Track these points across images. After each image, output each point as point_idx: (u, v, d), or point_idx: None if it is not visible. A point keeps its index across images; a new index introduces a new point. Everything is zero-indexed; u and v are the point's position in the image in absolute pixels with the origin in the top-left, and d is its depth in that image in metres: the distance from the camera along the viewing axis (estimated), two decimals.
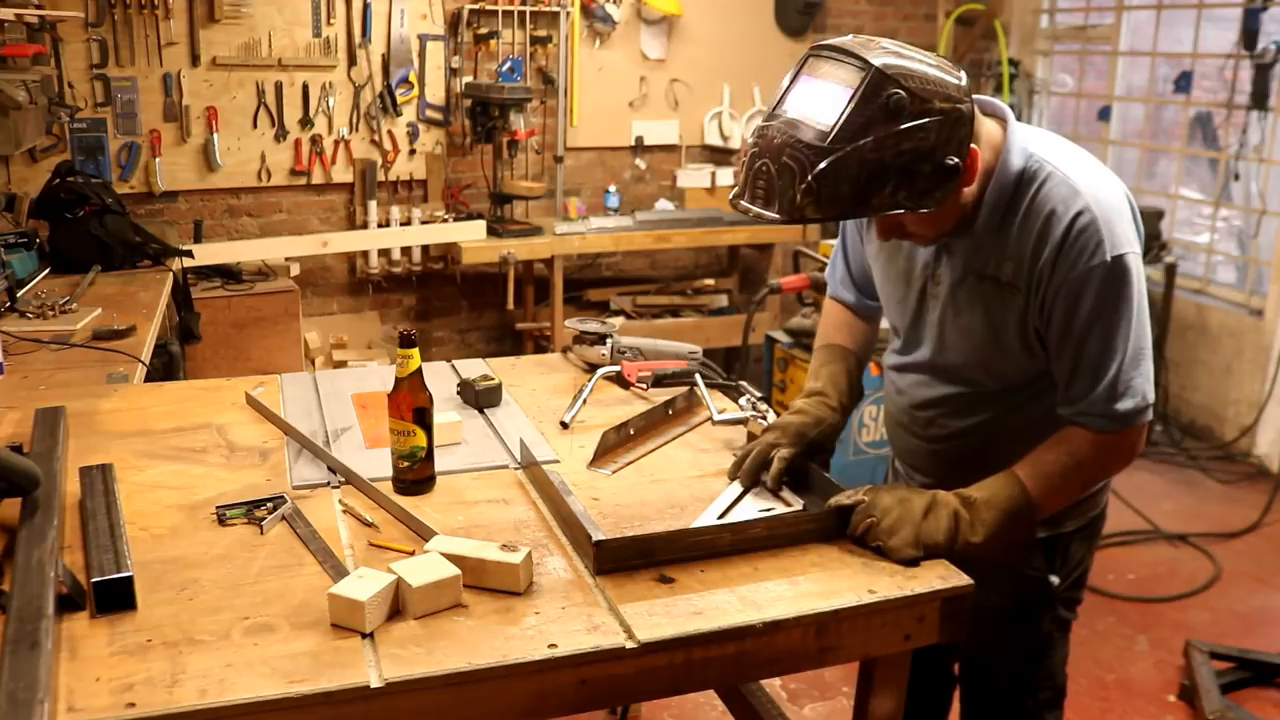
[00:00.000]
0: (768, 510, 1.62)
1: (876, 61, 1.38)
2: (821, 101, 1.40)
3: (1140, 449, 1.58)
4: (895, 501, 1.50)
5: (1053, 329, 1.54)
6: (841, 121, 1.37)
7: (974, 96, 1.50)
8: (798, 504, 1.65)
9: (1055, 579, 1.77)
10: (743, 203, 1.47)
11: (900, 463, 1.94)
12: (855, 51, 1.40)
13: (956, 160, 1.42)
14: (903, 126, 1.37)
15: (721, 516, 1.60)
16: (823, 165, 1.36)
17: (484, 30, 4.90)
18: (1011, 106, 5.74)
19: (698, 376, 2.06)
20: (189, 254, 3.79)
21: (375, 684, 1.17)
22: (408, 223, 4.87)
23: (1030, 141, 1.57)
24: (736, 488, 1.68)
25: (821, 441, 1.76)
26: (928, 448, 1.80)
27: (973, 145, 1.46)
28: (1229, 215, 5.05)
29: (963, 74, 1.45)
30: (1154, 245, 4.85)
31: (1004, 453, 1.60)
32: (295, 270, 4.47)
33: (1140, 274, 1.51)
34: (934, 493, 1.54)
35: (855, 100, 1.37)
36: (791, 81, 1.47)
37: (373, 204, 4.82)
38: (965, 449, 1.74)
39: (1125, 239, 1.49)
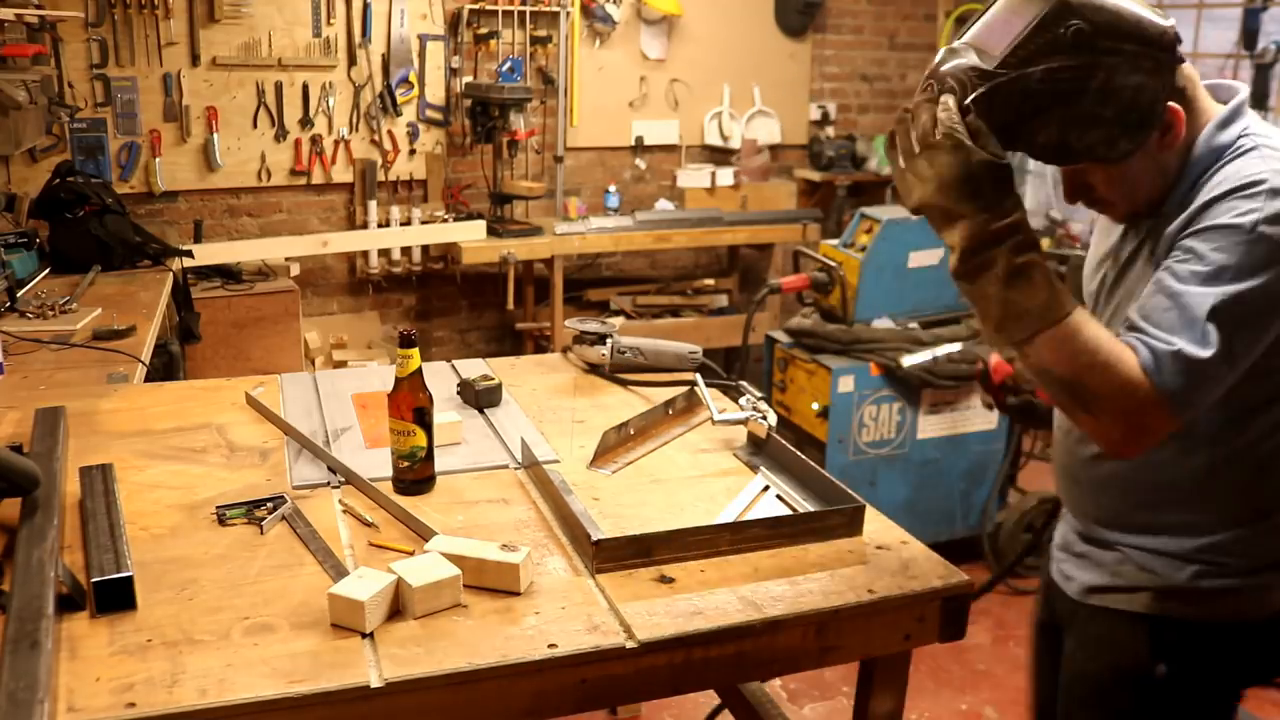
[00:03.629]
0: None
1: None
2: (999, 31, 1.31)
3: (1147, 440, 1.29)
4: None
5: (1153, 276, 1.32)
6: (1011, 47, 1.27)
7: (1211, 82, 1.41)
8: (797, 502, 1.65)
9: (1163, 668, 1.53)
10: None
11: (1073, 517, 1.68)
12: None
13: (1147, 111, 1.30)
14: (1081, 62, 1.26)
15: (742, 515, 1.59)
16: (983, 90, 1.27)
17: (484, 30, 4.90)
18: None
19: (698, 376, 2.06)
20: (189, 254, 3.79)
21: (375, 684, 1.17)
22: (408, 223, 4.87)
23: (1257, 124, 1.40)
24: (744, 497, 1.68)
25: None
26: (1090, 491, 1.57)
27: (1174, 105, 1.33)
28: None
29: (1169, 20, 1.32)
30: None
31: (1163, 500, 1.44)
32: (295, 270, 4.47)
33: None
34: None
35: (1030, 28, 1.27)
36: (979, 16, 1.37)
37: (373, 204, 4.82)
38: (1128, 488, 1.52)
39: None
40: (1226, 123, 1.39)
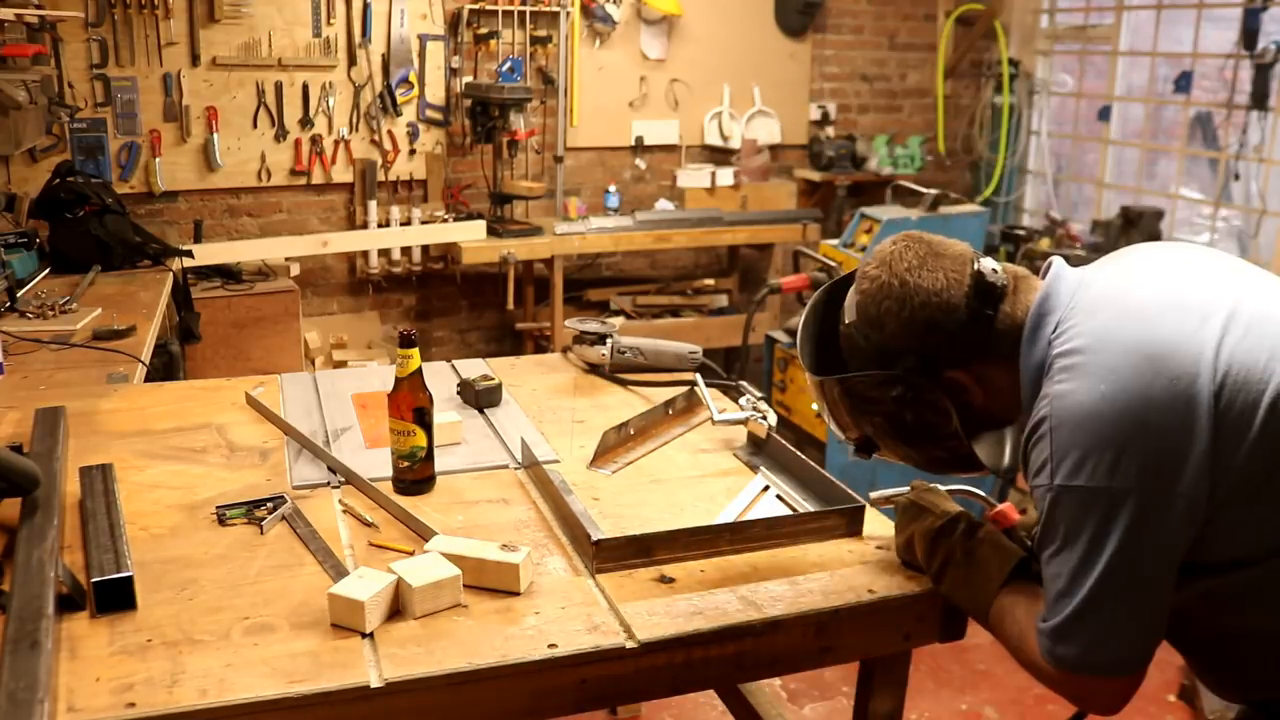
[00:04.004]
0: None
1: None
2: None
3: (1098, 706, 1.27)
4: (916, 512, 1.46)
5: None
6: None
7: (1020, 271, 1.37)
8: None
9: None
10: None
11: None
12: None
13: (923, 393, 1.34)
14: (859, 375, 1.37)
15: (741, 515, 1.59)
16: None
17: (484, 30, 4.90)
18: (1011, 107, 5.75)
19: (698, 376, 2.06)
20: (189, 254, 3.79)
21: (375, 684, 1.17)
22: (408, 223, 4.87)
23: (1062, 319, 1.28)
24: (745, 497, 1.67)
25: None
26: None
27: (952, 375, 1.33)
28: (1229, 215, 5.05)
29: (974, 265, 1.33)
30: None
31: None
32: (295, 270, 4.47)
33: (1126, 519, 1.15)
34: (949, 522, 1.42)
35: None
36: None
37: (373, 204, 4.82)
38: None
39: (1090, 469, 1.16)
40: (1032, 336, 1.30)
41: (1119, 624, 1.20)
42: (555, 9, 4.92)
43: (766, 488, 1.72)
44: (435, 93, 4.87)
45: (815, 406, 1.44)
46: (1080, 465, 1.17)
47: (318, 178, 4.77)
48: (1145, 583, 1.19)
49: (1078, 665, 1.21)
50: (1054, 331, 1.28)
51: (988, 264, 1.35)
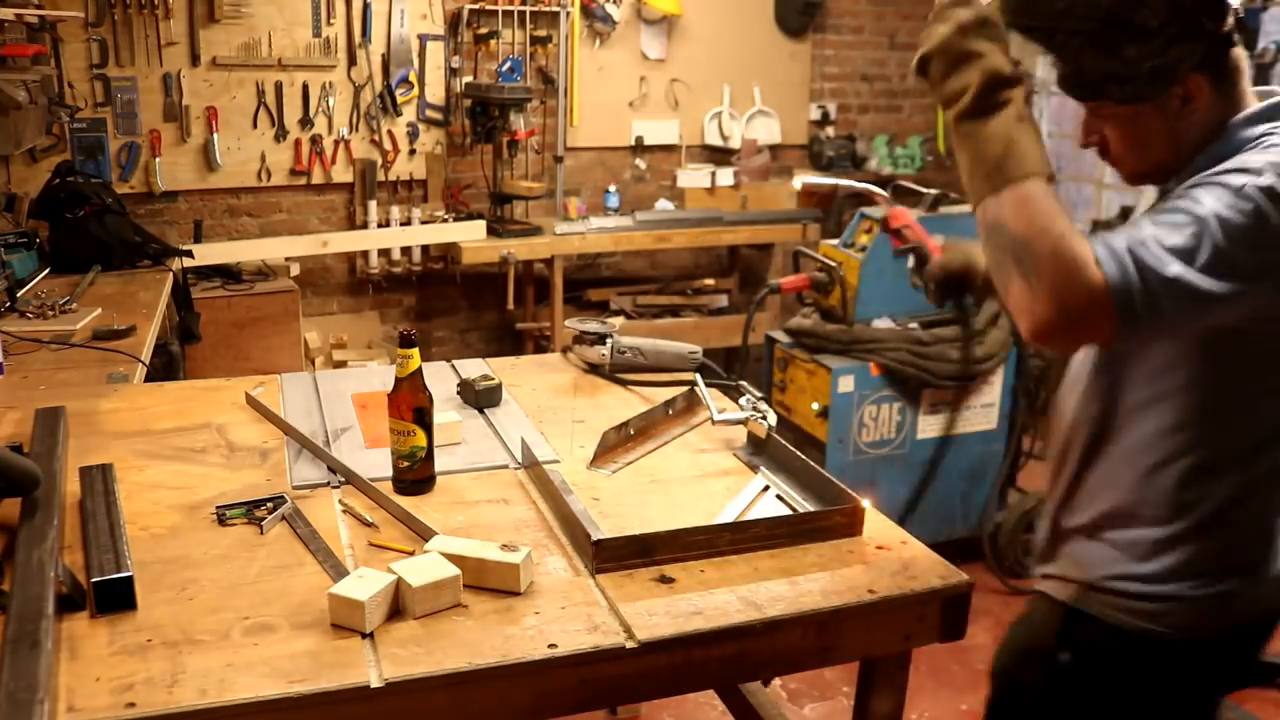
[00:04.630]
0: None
1: None
2: None
3: (1074, 324, 1.18)
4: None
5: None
6: None
7: (1263, 89, 1.37)
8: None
9: (1065, 657, 1.50)
10: None
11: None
12: None
13: (1179, 62, 1.26)
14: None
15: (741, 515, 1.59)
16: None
17: (484, 30, 4.90)
18: None
19: (698, 376, 2.06)
20: (189, 254, 3.79)
21: (375, 684, 1.17)
22: (408, 223, 4.87)
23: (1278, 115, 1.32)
24: (745, 496, 1.67)
25: None
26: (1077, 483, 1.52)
27: (1199, 75, 1.29)
28: None
29: (1239, 4, 1.29)
30: None
31: (1136, 504, 1.41)
32: (295, 270, 4.47)
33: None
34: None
35: None
36: None
37: (373, 204, 4.82)
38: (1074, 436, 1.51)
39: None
40: (1257, 119, 1.33)
41: (1178, 285, 1.17)
42: (555, 9, 4.92)
43: (766, 488, 1.72)
44: (435, 93, 4.87)
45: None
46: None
47: (318, 178, 4.77)
48: (1216, 283, 1.18)
49: (1121, 290, 1.16)
50: (1272, 127, 1.31)
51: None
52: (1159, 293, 1.16)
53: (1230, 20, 1.29)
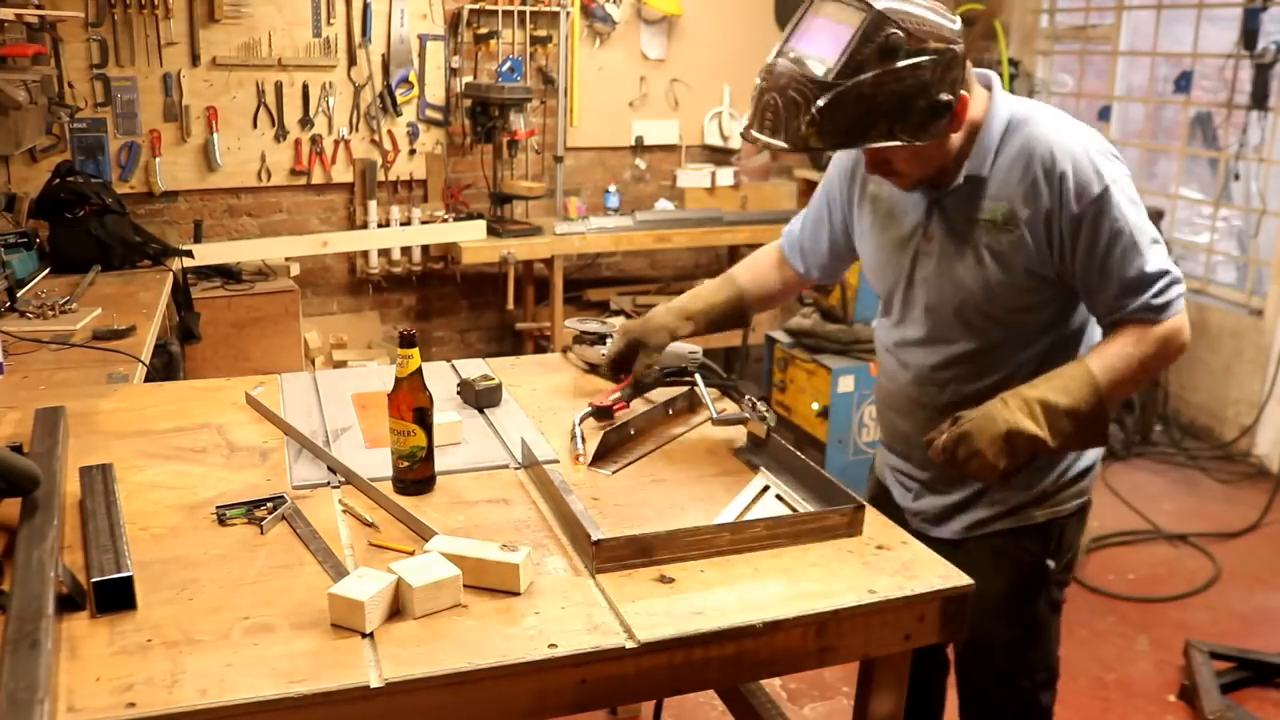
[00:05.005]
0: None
1: (877, 4, 1.49)
2: (825, 40, 1.52)
3: (1187, 338, 1.65)
4: (979, 414, 1.60)
5: (1079, 258, 1.63)
6: (844, 59, 1.48)
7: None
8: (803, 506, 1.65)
9: (1051, 563, 1.83)
10: (752, 132, 1.59)
11: (896, 458, 1.95)
12: None
13: (950, 98, 1.54)
14: (900, 64, 1.49)
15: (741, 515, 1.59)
16: (825, 99, 1.49)
17: (484, 30, 4.90)
18: None
19: (698, 376, 2.06)
20: (189, 254, 3.79)
21: (375, 684, 1.17)
22: (408, 223, 4.87)
23: (1014, 100, 1.70)
24: (745, 497, 1.67)
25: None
26: (939, 421, 1.76)
27: (963, 93, 1.57)
28: (1229, 215, 5.05)
29: (958, 20, 1.56)
30: None
31: None
32: (295, 270, 4.47)
33: (1131, 183, 1.64)
34: (1014, 406, 1.58)
35: (856, 39, 1.48)
36: (797, 22, 1.59)
37: (373, 204, 4.82)
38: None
39: (1111, 166, 1.63)
40: (997, 103, 1.67)
41: (1163, 249, 1.65)
42: (555, 9, 4.92)
43: (766, 488, 1.71)
44: (435, 93, 4.87)
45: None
46: (1109, 159, 1.62)
47: (318, 178, 4.77)
48: (1146, 218, 1.64)
49: (1175, 296, 1.63)
50: (1014, 109, 1.67)
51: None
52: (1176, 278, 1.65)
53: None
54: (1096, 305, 1.67)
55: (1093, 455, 1.86)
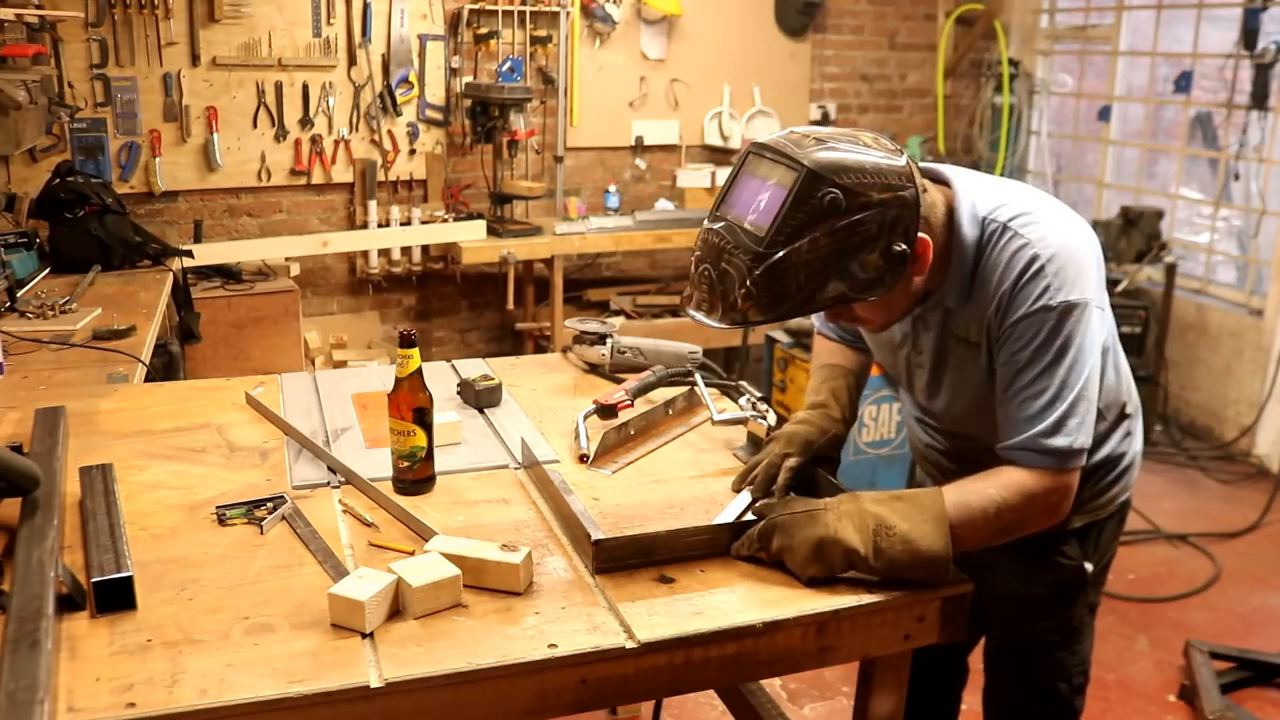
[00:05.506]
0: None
1: (808, 162, 1.36)
2: (759, 203, 1.40)
3: (1067, 505, 1.49)
4: (803, 512, 1.45)
5: (998, 370, 1.52)
6: (776, 225, 1.36)
7: (919, 165, 1.50)
8: None
9: (1089, 566, 1.80)
10: (689, 310, 1.47)
11: (934, 469, 1.91)
12: (787, 152, 1.39)
13: (904, 247, 1.41)
14: (840, 224, 1.36)
15: (741, 516, 1.58)
16: (760, 270, 1.36)
17: (484, 30, 4.90)
18: (1011, 107, 5.76)
19: (698, 376, 2.06)
20: (189, 254, 3.79)
21: (375, 684, 1.17)
22: (408, 223, 4.87)
23: (982, 202, 1.54)
24: (746, 497, 1.67)
25: (827, 450, 1.73)
26: (960, 467, 1.70)
27: (922, 235, 1.44)
28: (1229, 215, 5.05)
29: (905, 156, 1.44)
30: (1154, 245, 4.85)
31: None
32: (295, 270, 4.47)
33: (1095, 323, 1.48)
34: (845, 512, 1.43)
35: (789, 203, 1.36)
36: (733, 179, 1.47)
37: (373, 204, 4.82)
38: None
39: (1079, 286, 1.46)
40: (962, 218, 1.52)
41: (1089, 415, 1.49)
42: (555, 9, 4.92)
43: None
44: (435, 93, 4.87)
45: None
46: (1074, 282, 1.46)
47: (318, 178, 4.77)
48: (1093, 380, 1.50)
49: (1064, 457, 1.46)
50: (985, 209, 1.52)
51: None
52: (1081, 426, 1.48)
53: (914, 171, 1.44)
54: (998, 420, 1.53)
55: (1131, 457, 1.78)
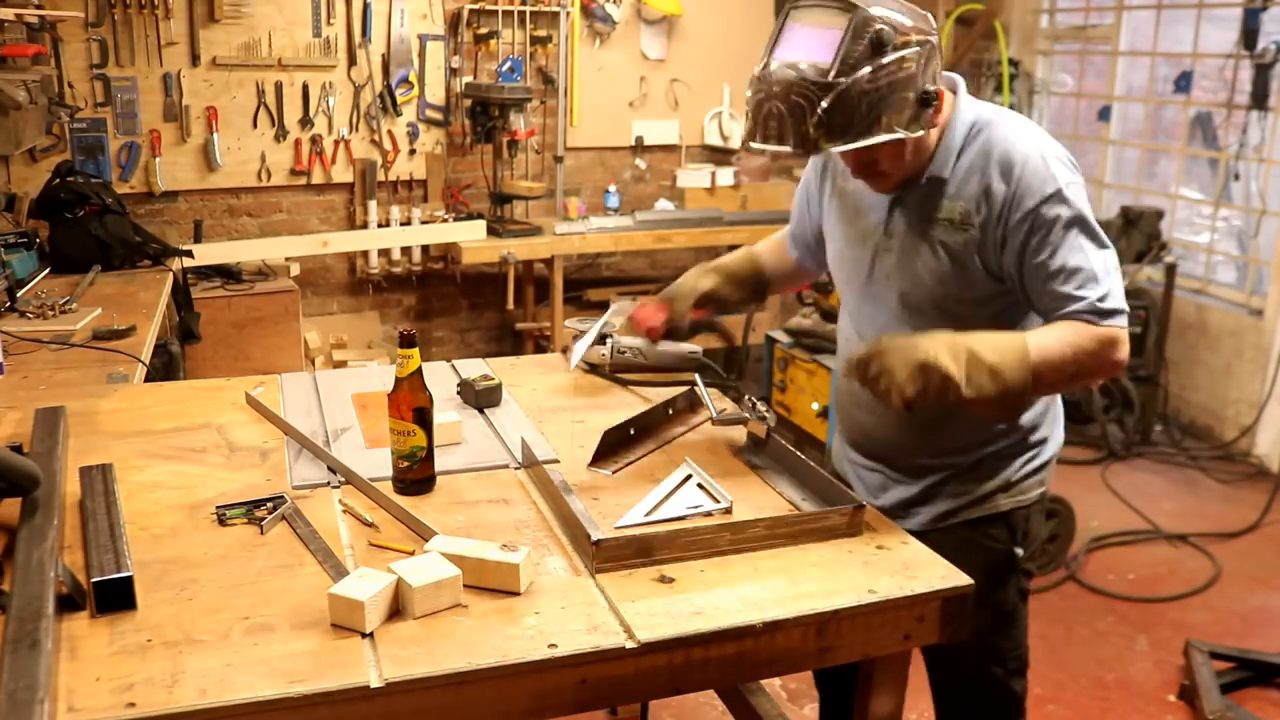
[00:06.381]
0: (695, 507, 1.61)
1: (859, 2, 1.56)
2: (814, 45, 1.56)
3: (1124, 362, 1.65)
4: (902, 339, 1.61)
5: (1026, 258, 1.66)
6: (840, 57, 1.53)
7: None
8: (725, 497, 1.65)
9: (1019, 550, 1.88)
10: (755, 144, 1.62)
11: (859, 454, 1.97)
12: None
13: (934, 88, 1.61)
14: (889, 58, 1.55)
15: (650, 513, 1.59)
16: (829, 99, 1.53)
17: (484, 30, 4.90)
18: (1011, 107, 5.75)
19: (698, 376, 2.06)
20: (189, 254, 3.79)
21: (375, 684, 1.17)
22: (408, 223, 4.87)
23: (978, 104, 1.75)
24: (675, 478, 1.68)
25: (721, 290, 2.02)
26: (893, 416, 1.79)
27: (940, 86, 1.64)
28: (1229, 215, 5.05)
29: (929, 14, 1.64)
30: (1154, 245, 4.85)
31: (968, 417, 1.70)
32: (295, 270, 4.47)
33: (1084, 192, 1.68)
34: (941, 340, 1.57)
35: (847, 39, 1.54)
36: (778, 34, 1.62)
37: (373, 204, 4.82)
38: (934, 413, 1.75)
39: (1066, 172, 1.66)
40: (960, 105, 1.72)
41: (1119, 278, 1.66)
42: (555, 9, 4.93)
43: (689, 476, 1.72)
44: (435, 93, 4.87)
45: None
46: (1066, 166, 1.66)
47: (318, 178, 4.77)
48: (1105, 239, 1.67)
49: (1122, 315, 1.62)
50: (977, 112, 1.72)
51: None
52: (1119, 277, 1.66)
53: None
54: (1042, 300, 1.67)
55: (1054, 447, 1.90)
